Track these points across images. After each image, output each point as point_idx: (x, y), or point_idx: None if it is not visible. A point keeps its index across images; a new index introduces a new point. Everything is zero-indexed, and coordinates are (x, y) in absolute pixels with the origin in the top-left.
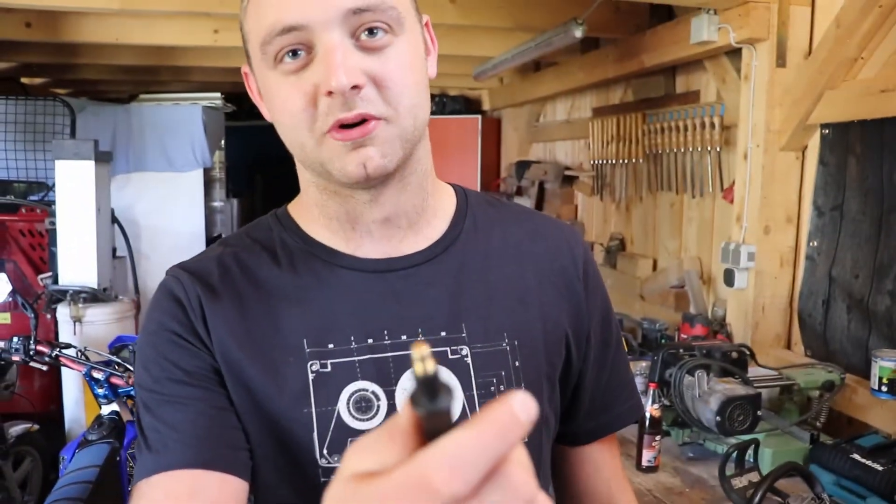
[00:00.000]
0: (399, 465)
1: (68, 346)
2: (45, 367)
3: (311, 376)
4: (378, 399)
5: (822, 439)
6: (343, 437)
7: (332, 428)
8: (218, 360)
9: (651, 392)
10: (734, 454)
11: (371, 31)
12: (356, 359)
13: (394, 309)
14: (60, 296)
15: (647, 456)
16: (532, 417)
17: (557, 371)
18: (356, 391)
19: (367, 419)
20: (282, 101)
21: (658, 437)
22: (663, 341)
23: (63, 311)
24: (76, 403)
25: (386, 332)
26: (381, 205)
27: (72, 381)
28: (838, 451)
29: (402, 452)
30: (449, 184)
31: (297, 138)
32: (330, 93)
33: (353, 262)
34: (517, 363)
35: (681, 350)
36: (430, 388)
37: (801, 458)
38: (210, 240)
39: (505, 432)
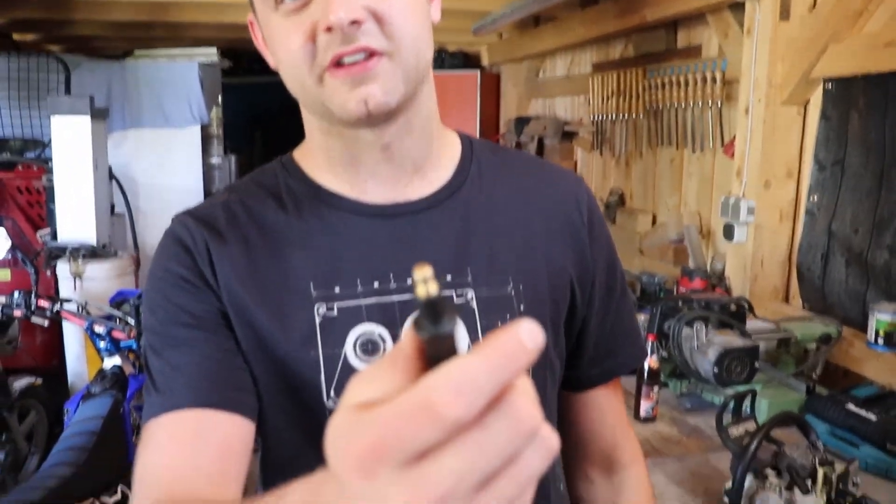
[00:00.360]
0: (402, 392)
1: (69, 300)
2: (46, 323)
3: (317, 320)
4: (384, 341)
5: (818, 390)
6: (350, 378)
7: (338, 370)
8: (225, 304)
9: (650, 344)
10: (731, 404)
11: None
12: (362, 302)
13: (399, 253)
14: (59, 252)
15: (645, 406)
16: (539, 345)
17: (562, 316)
18: (362, 334)
19: (374, 361)
20: (282, 41)
21: (656, 388)
22: (662, 295)
23: (63, 268)
24: (78, 358)
25: (392, 275)
26: (385, 146)
27: (73, 336)
28: (833, 401)
29: (405, 380)
30: (454, 130)
31: (298, 77)
32: (329, 28)
33: (359, 207)
34: (522, 307)
35: (679, 302)
36: (433, 310)
37: (797, 409)
38: (208, 195)
39: (511, 358)
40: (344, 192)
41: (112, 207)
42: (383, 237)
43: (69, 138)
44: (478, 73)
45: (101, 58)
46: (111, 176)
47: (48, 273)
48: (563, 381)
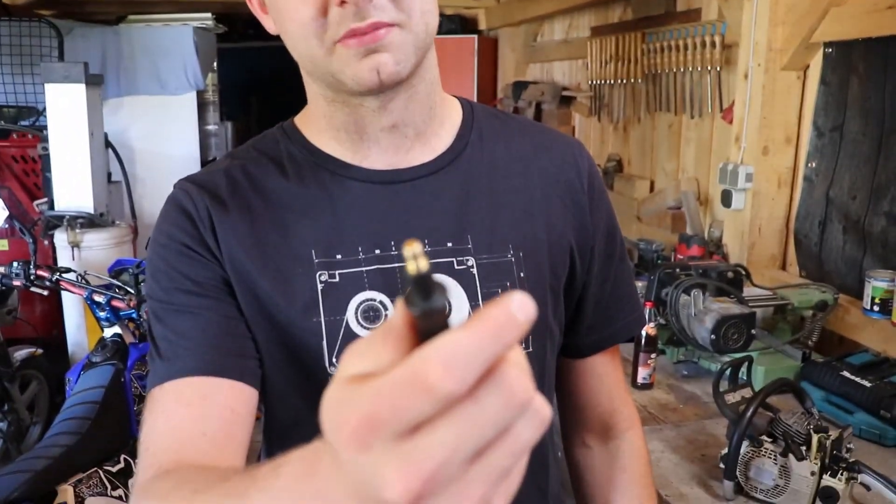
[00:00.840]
0: (394, 365)
1: (68, 270)
2: (45, 292)
3: (319, 286)
4: (386, 308)
5: (814, 357)
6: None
7: (340, 337)
8: (227, 271)
9: (647, 311)
10: (728, 371)
11: None
12: (364, 269)
13: (401, 219)
14: (57, 221)
15: (642, 373)
16: (530, 318)
17: (561, 283)
18: (364, 301)
19: (376, 327)
20: (291, 10)
21: (653, 356)
22: (660, 262)
23: (60, 237)
24: (78, 328)
25: (393, 242)
26: (389, 112)
27: (72, 306)
28: (829, 368)
29: (397, 353)
30: (454, 96)
31: (307, 49)
32: (343, 2)
33: (360, 174)
34: (522, 274)
35: (677, 269)
36: (423, 286)
37: (792, 376)
38: (205, 163)
39: (502, 331)
40: (346, 158)
41: (109, 176)
42: (385, 203)
43: (64, 106)
44: (475, 37)
45: (95, 23)
46: (107, 144)
47: (46, 242)
48: (562, 347)
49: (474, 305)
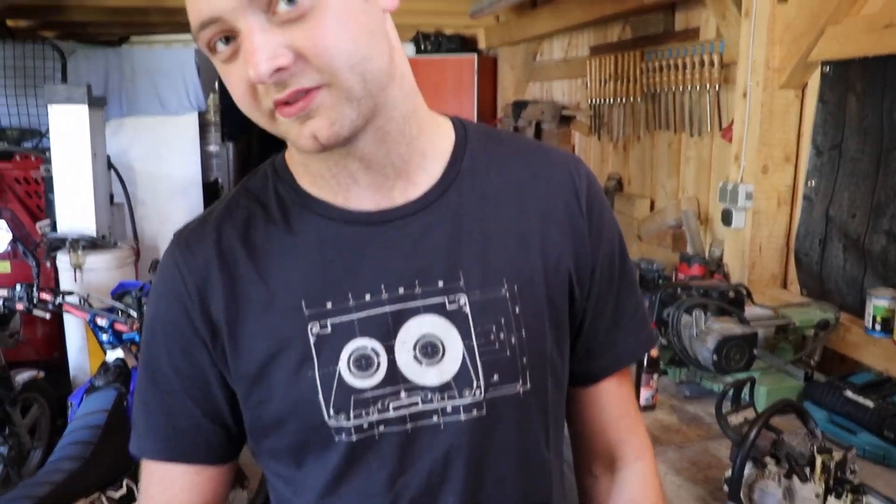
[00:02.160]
0: None
1: (71, 293)
2: (48, 315)
3: (311, 339)
4: (378, 355)
5: (816, 377)
6: (346, 396)
7: (334, 387)
8: (221, 342)
9: None
10: (730, 392)
11: (286, 5)
12: (354, 316)
13: (389, 261)
14: (59, 243)
15: (644, 395)
16: None
17: (563, 312)
18: (356, 349)
19: (368, 376)
20: (228, 87)
21: (655, 376)
22: (661, 282)
23: (63, 259)
24: (80, 351)
25: (383, 285)
26: (360, 158)
27: (74, 329)
28: (831, 388)
29: None
30: (448, 116)
31: (255, 118)
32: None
33: (347, 216)
34: (517, 309)
35: (678, 290)
36: None
37: (795, 396)
38: (206, 185)
39: None
40: (329, 199)
41: (111, 197)
42: (372, 246)
43: (67, 128)
44: (475, 56)
45: (97, 44)
46: (110, 165)
47: (48, 264)
48: (569, 376)
49: (468, 345)
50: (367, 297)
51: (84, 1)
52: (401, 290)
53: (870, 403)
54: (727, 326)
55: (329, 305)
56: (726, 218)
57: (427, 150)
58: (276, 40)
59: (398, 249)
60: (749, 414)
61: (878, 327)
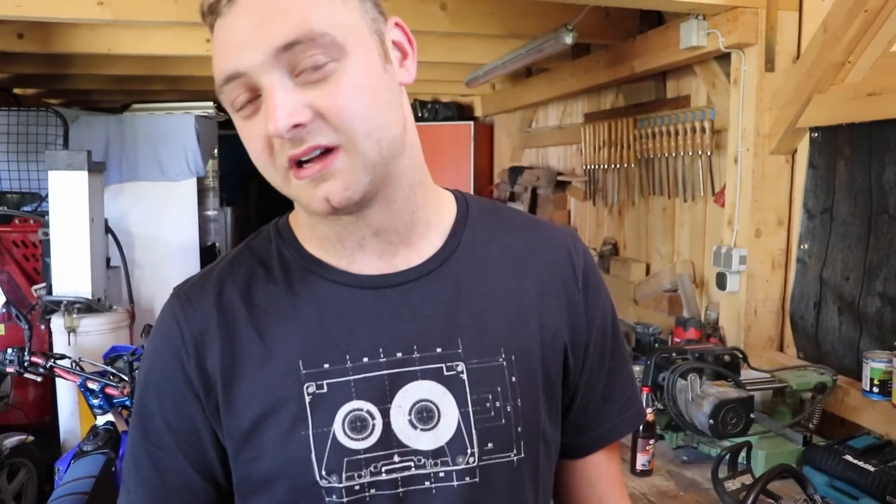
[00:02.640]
0: None
1: (63, 356)
2: (39, 379)
3: (307, 399)
4: (373, 418)
5: (815, 441)
6: (339, 457)
7: (328, 449)
8: (216, 397)
9: (645, 396)
10: (727, 457)
11: (310, 67)
12: (351, 378)
13: (389, 326)
14: (54, 306)
15: (641, 460)
16: None
17: (557, 384)
18: (351, 411)
19: (362, 438)
20: (247, 143)
21: (652, 441)
22: (657, 345)
23: (57, 322)
24: (71, 414)
25: (381, 349)
26: (368, 224)
27: (66, 392)
28: (831, 452)
29: None
30: (451, 190)
31: (268, 176)
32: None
33: (349, 279)
34: (513, 378)
35: (673, 354)
36: None
37: (794, 460)
38: (203, 249)
39: None
40: (333, 262)
41: (108, 261)
42: (372, 309)
43: (66, 193)
44: (471, 123)
45: (100, 111)
46: (107, 229)
47: (42, 327)
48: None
49: (463, 412)
50: (365, 359)
51: (88, 70)
52: (398, 355)
53: (871, 468)
54: (723, 391)
55: (326, 366)
56: (721, 282)
57: (431, 220)
58: (297, 99)
59: (398, 314)
60: (746, 479)
61: (875, 390)
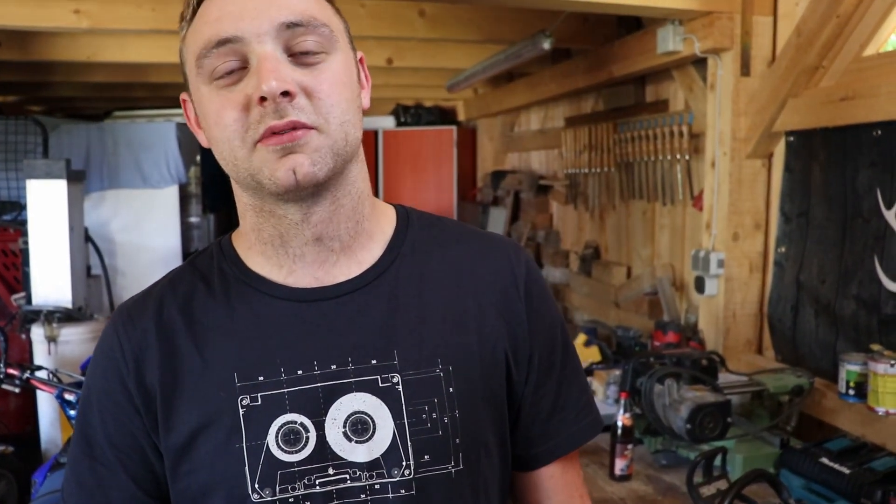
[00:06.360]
0: None
1: (39, 367)
2: (17, 390)
3: (241, 411)
4: (307, 431)
5: (793, 443)
6: (273, 470)
7: (261, 461)
8: (154, 410)
9: (623, 401)
10: (702, 463)
11: (304, 51)
12: (285, 391)
13: (324, 338)
14: (34, 316)
15: (619, 465)
16: None
17: (500, 394)
18: (284, 424)
19: (296, 451)
20: (215, 113)
21: (630, 446)
22: (637, 349)
23: (37, 332)
24: (52, 424)
25: (316, 362)
26: (312, 225)
27: (47, 402)
28: (807, 455)
29: None
30: (394, 205)
31: (230, 150)
32: (262, 99)
33: (286, 292)
34: (451, 389)
35: (651, 359)
36: None
37: (771, 463)
38: (186, 256)
39: None
40: (272, 275)
41: (88, 269)
42: (308, 322)
43: (45, 202)
44: (454, 128)
45: (81, 119)
46: (88, 238)
47: (23, 337)
48: (512, 460)
49: (399, 423)
50: (300, 372)
51: (69, 77)
52: (333, 367)
53: (846, 470)
54: (700, 395)
55: (261, 378)
56: (699, 285)
57: (373, 232)
58: (289, 72)
59: (333, 327)
60: (722, 484)
61: (851, 392)
